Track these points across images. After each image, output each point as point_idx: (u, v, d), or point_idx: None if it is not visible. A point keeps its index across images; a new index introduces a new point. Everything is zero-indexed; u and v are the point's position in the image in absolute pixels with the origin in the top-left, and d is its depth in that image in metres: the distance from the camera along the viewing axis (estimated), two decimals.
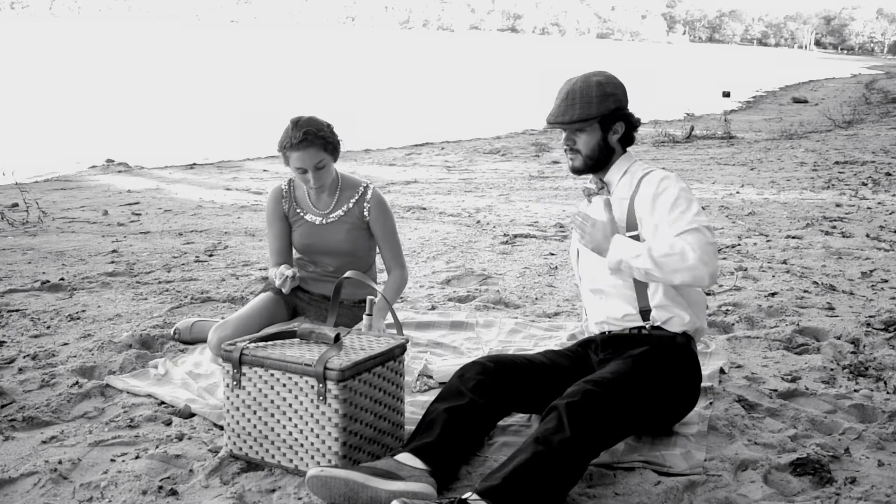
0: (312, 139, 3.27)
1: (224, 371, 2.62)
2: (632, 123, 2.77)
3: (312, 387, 2.48)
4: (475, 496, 2.15)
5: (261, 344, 2.65)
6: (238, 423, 2.61)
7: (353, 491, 2.26)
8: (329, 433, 2.47)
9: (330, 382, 2.45)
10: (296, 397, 2.51)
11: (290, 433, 2.53)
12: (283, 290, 3.40)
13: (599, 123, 2.71)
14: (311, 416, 2.49)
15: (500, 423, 2.84)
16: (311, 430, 2.50)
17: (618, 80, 2.76)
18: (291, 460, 2.54)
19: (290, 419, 2.53)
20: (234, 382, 2.59)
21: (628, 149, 2.82)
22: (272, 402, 2.55)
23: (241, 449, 2.61)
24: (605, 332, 2.83)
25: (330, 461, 2.48)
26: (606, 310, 2.81)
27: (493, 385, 2.60)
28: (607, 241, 2.61)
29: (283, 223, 3.58)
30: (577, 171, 2.81)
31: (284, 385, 2.53)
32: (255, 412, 2.58)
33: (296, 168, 3.33)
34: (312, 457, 2.50)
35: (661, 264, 2.50)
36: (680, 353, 2.68)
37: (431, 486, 2.32)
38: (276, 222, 3.57)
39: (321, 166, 3.33)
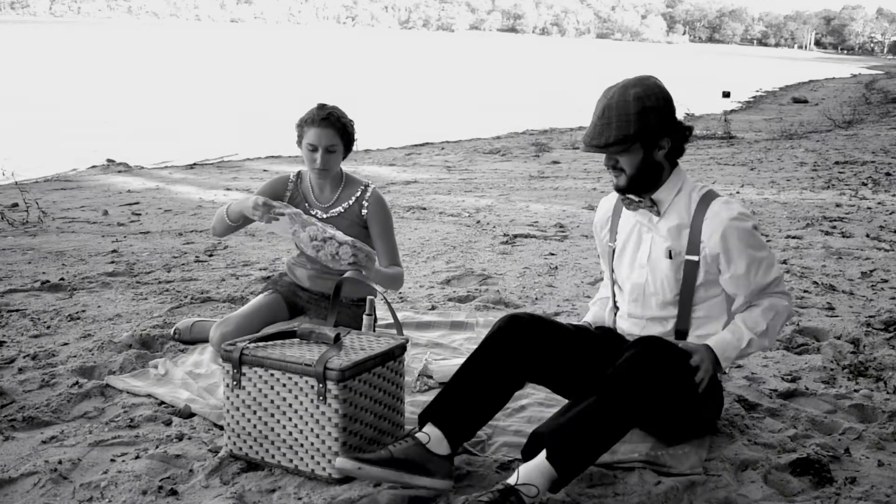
0: (334, 121, 3.36)
1: (224, 371, 2.62)
2: (681, 135, 2.53)
3: (312, 387, 2.48)
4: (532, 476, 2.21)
5: (261, 344, 2.65)
6: (238, 423, 2.60)
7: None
8: (329, 433, 2.47)
9: (330, 382, 2.45)
10: (296, 397, 2.51)
11: (290, 433, 2.53)
12: (259, 218, 3.21)
13: (641, 142, 2.47)
14: (311, 416, 2.49)
15: (501, 422, 2.84)
16: (311, 430, 2.50)
17: (659, 89, 2.48)
18: (291, 460, 2.54)
19: (289, 419, 2.53)
20: (235, 382, 2.59)
21: (679, 162, 2.62)
22: (272, 402, 2.55)
23: (241, 449, 2.61)
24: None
25: (330, 461, 2.48)
26: (643, 328, 2.74)
27: (523, 342, 2.53)
28: (712, 360, 2.56)
29: (276, 198, 3.55)
30: (623, 191, 2.59)
31: (284, 385, 2.52)
32: (255, 412, 2.58)
33: (308, 144, 3.37)
34: (312, 457, 2.50)
35: (771, 334, 2.60)
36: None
37: (451, 478, 2.39)
38: (267, 192, 3.55)
39: (332, 150, 3.38)
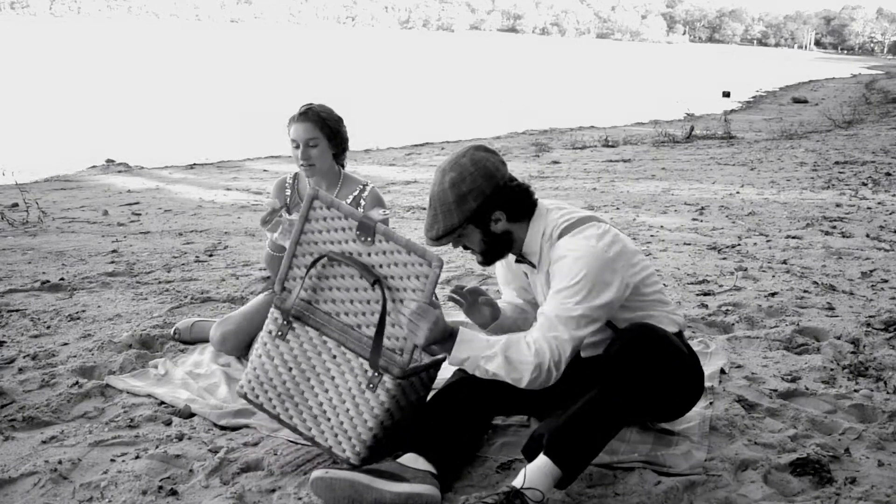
0: (312, 115, 3.40)
1: (271, 318, 2.56)
2: (512, 201, 2.48)
3: (366, 371, 2.45)
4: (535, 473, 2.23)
5: (320, 297, 2.53)
6: (267, 372, 2.55)
7: (358, 493, 2.26)
8: (365, 421, 2.46)
9: (387, 376, 2.44)
10: (343, 373, 2.48)
11: (321, 404, 2.49)
12: (272, 229, 3.29)
13: (473, 224, 2.45)
14: (353, 397, 2.46)
15: (500, 422, 2.84)
16: (347, 410, 2.47)
17: (475, 167, 2.42)
18: (310, 428, 2.51)
19: (325, 390, 2.49)
20: (279, 333, 2.53)
21: (539, 210, 2.54)
22: (314, 366, 2.51)
23: (257, 396, 2.56)
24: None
25: (354, 447, 2.47)
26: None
27: (486, 383, 2.55)
28: (447, 335, 2.42)
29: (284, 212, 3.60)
30: (486, 264, 2.60)
31: (335, 357, 2.49)
32: (290, 368, 2.53)
33: (291, 140, 3.43)
34: (336, 435, 2.49)
35: (490, 369, 2.39)
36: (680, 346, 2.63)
37: (435, 487, 2.33)
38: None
39: (313, 144, 3.41)
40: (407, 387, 2.51)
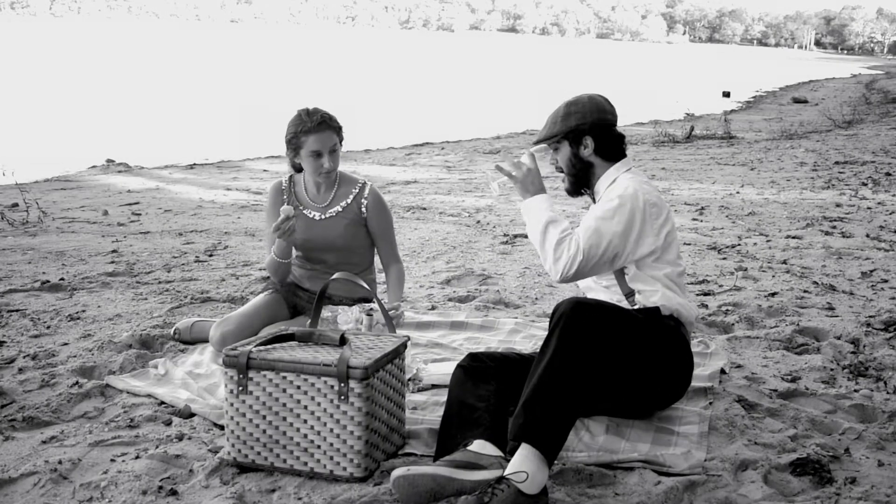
0: (329, 122, 3.41)
1: (227, 377, 2.57)
2: (605, 136, 2.87)
3: (332, 387, 2.46)
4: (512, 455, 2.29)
5: (264, 347, 2.62)
6: (244, 429, 2.55)
7: (440, 485, 2.30)
8: (351, 432, 2.46)
9: (353, 381, 2.44)
10: (312, 399, 2.49)
11: (306, 436, 2.51)
12: (284, 237, 3.32)
13: (567, 140, 2.88)
14: (331, 416, 2.48)
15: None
16: (331, 430, 2.48)
17: (589, 99, 2.88)
18: (306, 463, 2.52)
19: (304, 421, 2.51)
20: (240, 388, 2.54)
21: (625, 162, 2.92)
22: (284, 405, 2.52)
23: (246, 456, 2.56)
24: None
25: (352, 460, 2.47)
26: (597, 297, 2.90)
27: (497, 368, 2.72)
28: (532, 190, 2.84)
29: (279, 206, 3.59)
30: (570, 193, 3.02)
31: (299, 387, 2.50)
32: (264, 417, 2.54)
33: (311, 151, 3.39)
34: (332, 457, 2.49)
35: (547, 245, 2.72)
36: (664, 325, 2.76)
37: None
38: (275, 215, 3.57)
39: (335, 150, 3.44)
40: (377, 384, 2.51)
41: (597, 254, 2.68)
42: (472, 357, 2.77)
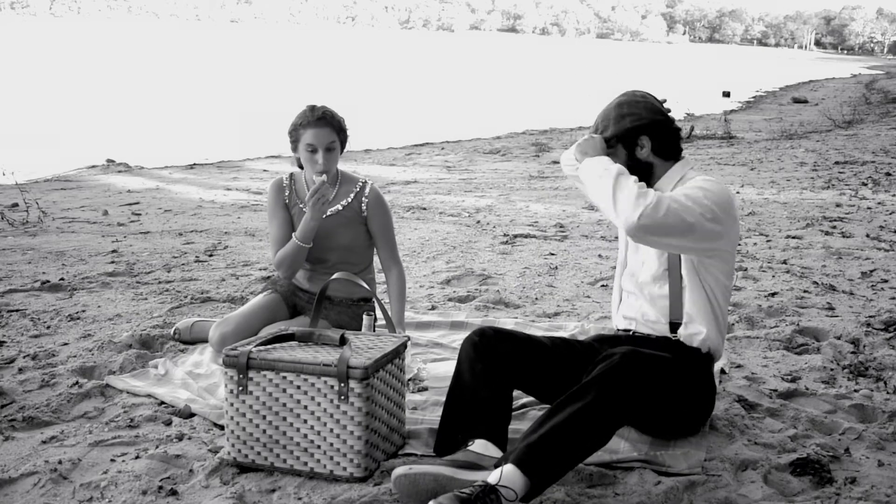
0: (329, 119, 3.39)
1: (227, 377, 2.57)
2: (662, 133, 2.72)
3: (332, 387, 2.47)
4: (504, 473, 2.20)
5: (264, 347, 2.62)
6: (244, 429, 2.56)
7: (442, 485, 2.28)
8: (351, 432, 2.46)
9: (353, 381, 2.44)
10: (312, 399, 2.49)
11: (306, 436, 2.51)
12: (315, 206, 3.31)
13: (621, 142, 2.71)
14: (331, 416, 2.48)
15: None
16: (331, 430, 2.48)
17: (641, 97, 2.76)
18: (306, 463, 2.52)
19: (304, 421, 2.51)
20: (240, 388, 2.54)
21: (684, 160, 2.77)
22: (284, 405, 2.52)
23: (246, 456, 2.56)
24: (630, 331, 2.83)
25: (352, 460, 2.47)
26: (641, 309, 2.79)
27: (498, 351, 2.62)
28: (592, 154, 2.67)
29: (286, 212, 3.60)
30: None
31: (299, 387, 2.50)
32: (264, 417, 2.54)
33: (307, 145, 3.38)
34: (332, 458, 2.49)
35: (620, 187, 2.49)
36: (700, 365, 2.67)
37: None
38: (278, 212, 3.58)
39: (331, 148, 3.41)
40: (377, 384, 2.51)
41: (677, 209, 2.44)
42: (482, 333, 2.64)
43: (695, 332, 2.69)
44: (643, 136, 2.70)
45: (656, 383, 2.42)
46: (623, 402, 2.32)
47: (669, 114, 2.76)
